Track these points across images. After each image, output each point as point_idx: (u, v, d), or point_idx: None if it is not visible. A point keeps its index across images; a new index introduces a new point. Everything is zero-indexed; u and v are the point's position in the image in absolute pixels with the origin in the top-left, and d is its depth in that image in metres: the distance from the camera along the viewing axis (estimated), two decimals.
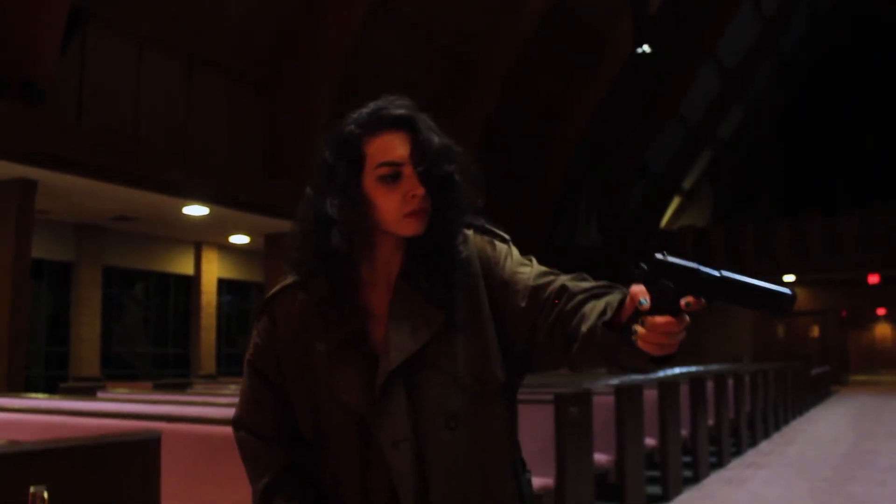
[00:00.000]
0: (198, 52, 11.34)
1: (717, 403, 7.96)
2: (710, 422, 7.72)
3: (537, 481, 4.22)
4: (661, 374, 8.68)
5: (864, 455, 8.60)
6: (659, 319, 1.16)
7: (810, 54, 28.86)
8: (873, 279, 22.52)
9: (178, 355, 13.45)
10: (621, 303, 1.25)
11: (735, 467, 7.77)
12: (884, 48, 26.75)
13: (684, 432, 6.80)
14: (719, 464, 7.79)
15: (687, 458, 6.92)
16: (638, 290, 1.19)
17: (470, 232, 1.49)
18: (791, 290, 1.13)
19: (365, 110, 1.48)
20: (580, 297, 1.36)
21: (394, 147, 1.41)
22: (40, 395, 4.95)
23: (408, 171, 1.40)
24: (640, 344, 1.19)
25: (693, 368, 13.05)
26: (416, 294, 1.41)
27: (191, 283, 13.79)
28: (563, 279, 1.43)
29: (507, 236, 1.53)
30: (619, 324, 1.23)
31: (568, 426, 4.28)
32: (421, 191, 1.39)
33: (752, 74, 26.25)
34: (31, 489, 1.71)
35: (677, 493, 6.24)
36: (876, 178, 26.16)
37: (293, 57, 12.25)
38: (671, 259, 1.18)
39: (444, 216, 1.42)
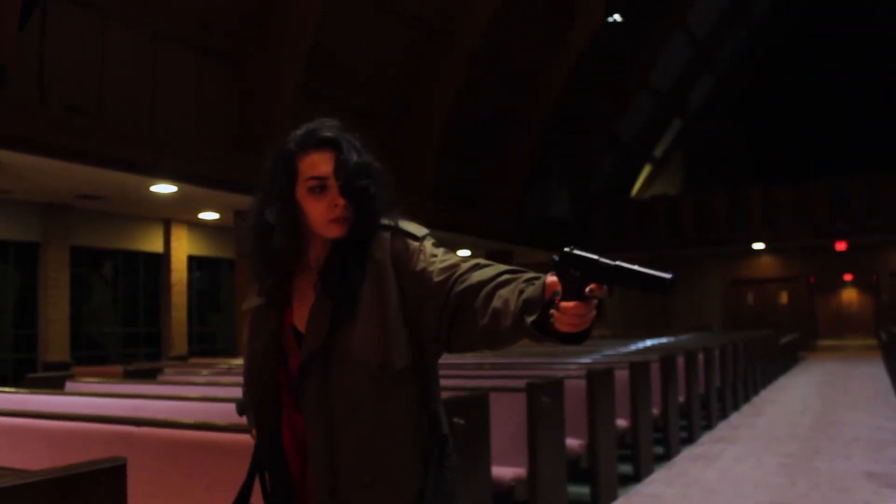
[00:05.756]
0: (162, 27, 11.10)
1: (687, 379, 8.04)
2: (681, 398, 7.81)
3: (509, 471, 4.25)
4: (633, 353, 8.77)
5: (829, 426, 8.76)
6: (569, 304, 1.39)
7: (780, 23, 28.89)
8: (841, 246, 22.81)
9: (149, 334, 13.34)
10: (542, 294, 1.47)
11: (705, 442, 7.88)
12: (852, 18, 26.84)
13: (655, 411, 6.86)
14: (689, 439, 7.89)
15: (658, 435, 7.00)
16: (552, 281, 1.44)
17: (388, 234, 1.71)
18: (672, 273, 1.36)
19: (300, 131, 1.72)
20: (487, 288, 1.57)
21: (320, 164, 1.68)
22: (7, 389, 4.88)
23: (332, 183, 1.67)
24: (557, 325, 1.42)
25: (664, 339, 13.22)
26: (325, 290, 1.69)
27: (160, 261, 13.65)
28: (464, 269, 1.64)
29: (420, 234, 1.72)
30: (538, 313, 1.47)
31: (540, 416, 4.29)
32: (342, 201, 1.66)
33: (722, 43, 26.26)
34: None
35: (648, 472, 6.32)
36: (844, 147, 26.38)
37: (260, 31, 12.05)
38: (576, 251, 1.42)
39: (361, 222, 1.68)
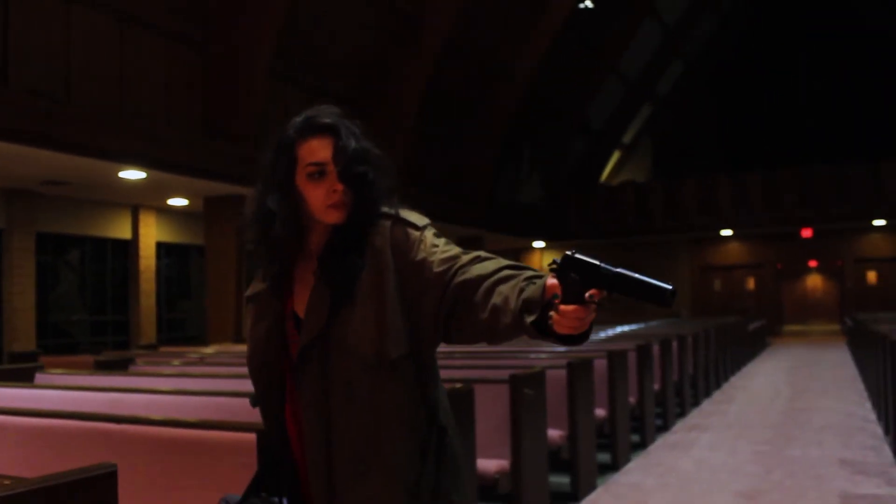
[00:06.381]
0: (129, 10, 10.86)
1: (662, 367, 8.08)
2: (657, 386, 7.84)
3: (493, 464, 4.22)
4: (608, 340, 8.79)
5: (800, 413, 8.86)
6: (569, 308, 1.40)
7: (749, 11, 29.06)
8: (806, 233, 23.09)
9: (117, 322, 13.14)
10: (542, 295, 1.47)
11: (679, 430, 7.93)
12: (822, 6, 27.06)
13: (632, 399, 6.88)
14: (665, 427, 7.94)
15: (634, 423, 7.02)
16: (552, 284, 1.45)
17: (388, 223, 1.70)
18: (672, 285, 1.38)
19: (299, 118, 1.72)
20: (487, 283, 1.56)
21: (319, 150, 1.68)
22: None
23: (330, 169, 1.67)
24: (555, 327, 1.43)
25: (634, 326, 13.31)
26: (324, 276, 1.68)
27: (128, 248, 13.44)
28: (464, 261, 1.63)
29: (420, 224, 1.71)
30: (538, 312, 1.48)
31: (523, 408, 4.26)
32: (340, 186, 1.66)
33: (691, 30, 26.37)
34: None
35: (626, 461, 6.34)
36: (812, 135, 26.66)
37: (230, 15, 11.84)
38: (578, 255, 1.43)
39: (360, 208, 1.68)
